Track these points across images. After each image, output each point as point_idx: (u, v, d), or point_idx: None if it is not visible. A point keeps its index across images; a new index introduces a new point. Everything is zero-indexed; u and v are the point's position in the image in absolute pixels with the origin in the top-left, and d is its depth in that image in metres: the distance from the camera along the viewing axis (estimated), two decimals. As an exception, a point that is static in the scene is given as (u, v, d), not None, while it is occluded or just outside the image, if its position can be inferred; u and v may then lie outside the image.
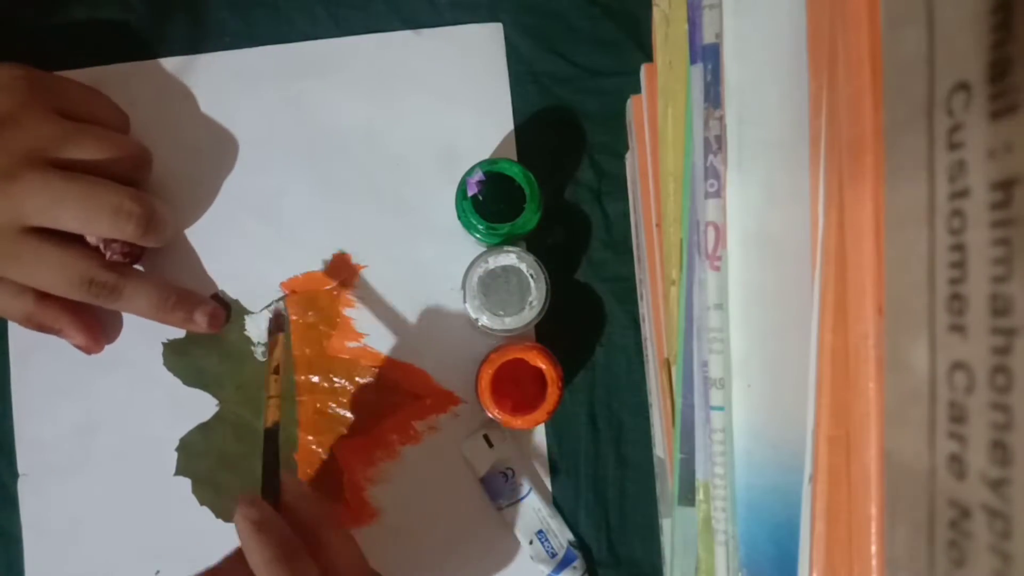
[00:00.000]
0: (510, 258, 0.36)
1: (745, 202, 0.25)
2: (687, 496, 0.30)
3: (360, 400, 0.40)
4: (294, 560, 0.28)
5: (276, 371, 0.35)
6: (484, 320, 0.36)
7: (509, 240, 0.37)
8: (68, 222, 0.34)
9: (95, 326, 0.38)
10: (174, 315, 0.37)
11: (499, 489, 0.39)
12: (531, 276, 0.36)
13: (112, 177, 0.35)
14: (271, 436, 0.34)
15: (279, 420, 0.34)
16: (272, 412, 0.34)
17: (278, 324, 0.37)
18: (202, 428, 0.39)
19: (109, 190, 0.34)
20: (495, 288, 0.36)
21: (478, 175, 0.36)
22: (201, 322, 0.38)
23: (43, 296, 0.35)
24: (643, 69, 0.36)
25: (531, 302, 0.36)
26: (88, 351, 0.38)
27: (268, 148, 0.40)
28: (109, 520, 0.39)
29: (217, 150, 0.40)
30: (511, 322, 0.36)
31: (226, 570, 0.29)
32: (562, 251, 0.40)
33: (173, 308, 0.37)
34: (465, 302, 0.36)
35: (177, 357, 0.40)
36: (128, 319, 0.39)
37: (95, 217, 0.34)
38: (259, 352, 0.40)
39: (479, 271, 0.36)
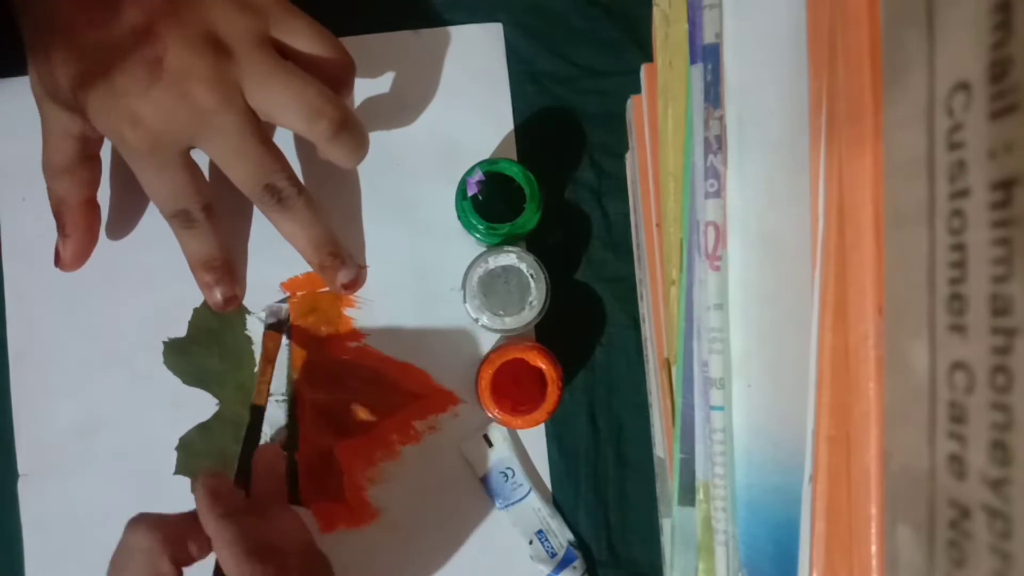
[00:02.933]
0: (510, 258, 0.36)
1: (745, 202, 0.25)
2: (687, 496, 0.30)
3: (360, 400, 0.40)
4: (236, 517, 0.30)
5: (272, 362, 0.38)
6: (484, 320, 0.36)
7: (509, 240, 0.37)
8: (267, 107, 0.33)
9: (94, 239, 0.38)
10: (321, 260, 0.37)
11: (499, 489, 0.39)
12: (531, 276, 0.36)
13: (318, 75, 0.34)
14: (258, 413, 0.37)
15: (266, 402, 0.38)
16: (263, 393, 0.38)
17: (278, 325, 0.39)
18: (202, 428, 0.39)
19: (313, 83, 0.34)
20: (495, 288, 0.36)
21: (478, 175, 0.36)
22: (342, 278, 0.38)
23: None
24: (643, 69, 0.36)
25: (531, 302, 0.36)
26: (66, 262, 0.38)
27: (268, 148, 0.40)
28: (109, 520, 0.39)
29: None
30: (511, 322, 0.36)
31: (183, 519, 0.31)
32: (562, 251, 0.40)
33: (327, 254, 0.37)
34: (465, 302, 0.36)
35: (177, 356, 0.40)
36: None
37: (295, 106, 0.33)
38: (258, 354, 0.40)
39: (479, 271, 0.36)
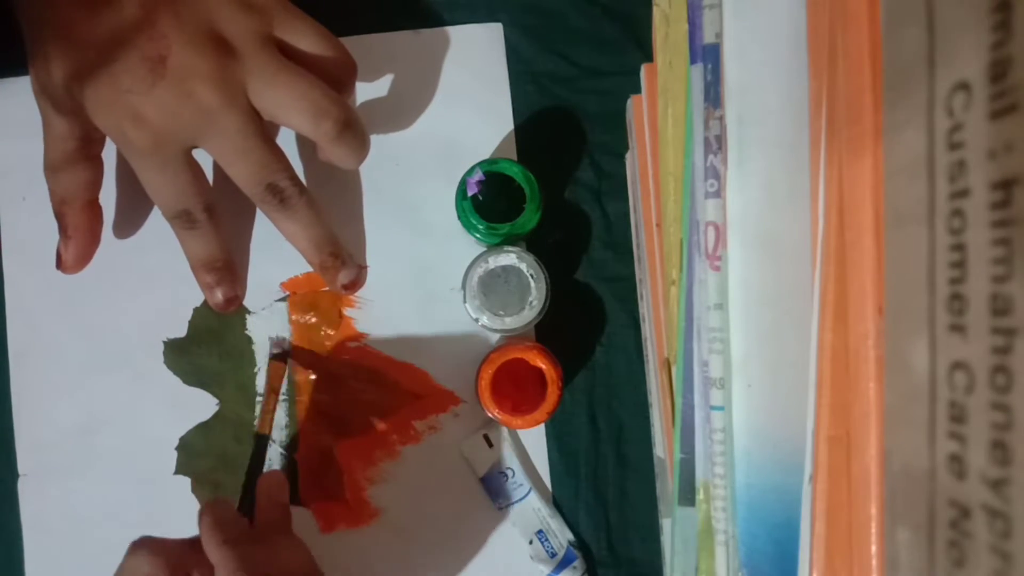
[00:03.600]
0: (510, 258, 0.36)
1: (745, 202, 0.25)
2: (687, 496, 0.30)
3: (360, 400, 0.40)
4: (240, 546, 0.30)
5: (276, 391, 0.38)
6: (484, 320, 0.36)
7: (509, 240, 0.37)
8: (271, 106, 0.33)
9: (96, 241, 0.38)
10: (322, 260, 0.37)
11: (499, 489, 0.39)
12: (531, 276, 0.36)
13: (320, 76, 0.34)
14: (262, 442, 0.37)
15: (271, 431, 0.38)
16: (267, 422, 0.38)
17: (283, 356, 0.39)
18: (202, 427, 0.39)
19: (317, 84, 0.34)
20: (495, 288, 0.36)
21: (478, 175, 0.36)
22: (343, 279, 0.38)
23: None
24: (643, 69, 0.36)
25: (531, 302, 0.36)
26: (68, 264, 0.38)
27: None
28: (109, 520, 0.39)
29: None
30: (511, 322, 0.36)
31: (186, 545, 0.31)
32: (562, 251, 0.40)
33: (328, 254, 0.37)
34: (465, 302, 0.36)
35: (178, 356, 0.40)
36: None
37: (300, 106, 0.33)
38: (259, 354, 0.40)
39: (479, 271, 0.36)
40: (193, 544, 0.31)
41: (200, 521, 0.31)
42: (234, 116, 0.33)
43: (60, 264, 0.38)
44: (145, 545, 0.30)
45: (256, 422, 0.38)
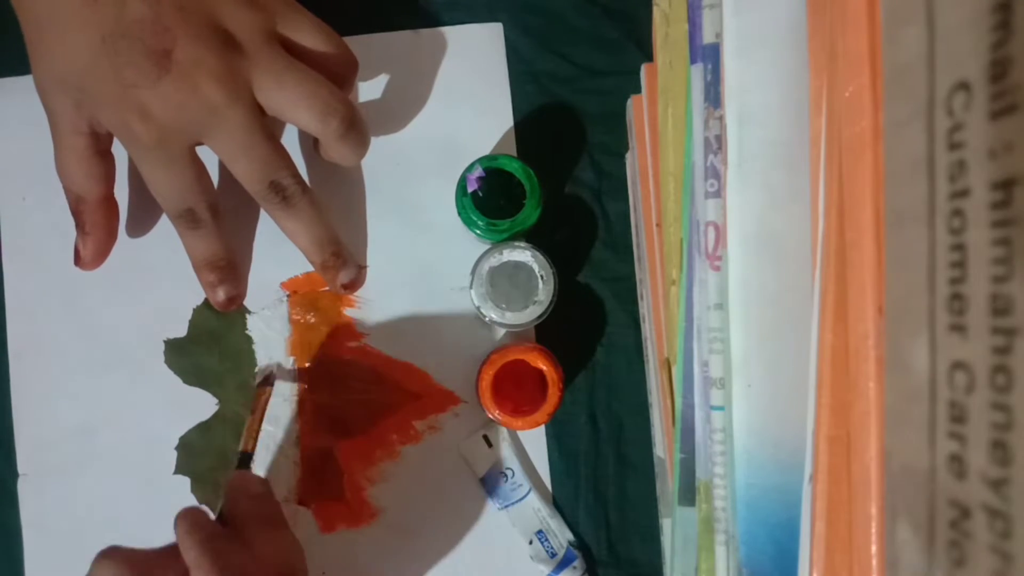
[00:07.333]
0: (524, 255, 0.36)
1: (745, 202, 0.25)
2: (687, 496, 0.30)
3: (360, 400, 0.40)
4: (216, 544, 0.30)
5: (260, 419, 0.38)
6: (484, 310, 0.36)
7: (510, 237, 0.37)
8: (279, 104, 0.34)
9: (113, 236, 0.38)
10: (324, 259, 0.37)
11: (499, 489, 0.39)
12: (541, 277, 0.36)
13: (322, 73, 0.35)
14: (245, 458, 0.37)
15: (254, 450, 0.37)
16: (250, 441, 0.37)
17: (267, 380, 0.39)
18: (202, 427, 0.39)
19: (324, 82, 0.34)
20: (502, 281, 0.36)
21: (478, 171, 0.36)
22: (343, 278, 0.38)
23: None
24: (643, 69, 0.36)
25: (535, 301, 0.36)
26: (87, 260, 0.38)
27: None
28: (109, 520, 0.39)
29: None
30: (511, 317, 0.36)
31: (155, 553, 0.31)
32: (563, 251, 0.40)
33: (330, 254, 0.37)
34: (471, 288, 0.36)
35: (178, 356, 0.40)
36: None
37: (308, 103, 0.33)
38: (259, 354, 0.40)
39: (492, 261, 0.36)
40: (162, 552, 0.30)
41: (176, 526, 0.31)
42: (239, 112, 0.33)
43: (78, 260, 0.37)
44: (112, 555, 0.30)
45: (241, 441, 0.38)
